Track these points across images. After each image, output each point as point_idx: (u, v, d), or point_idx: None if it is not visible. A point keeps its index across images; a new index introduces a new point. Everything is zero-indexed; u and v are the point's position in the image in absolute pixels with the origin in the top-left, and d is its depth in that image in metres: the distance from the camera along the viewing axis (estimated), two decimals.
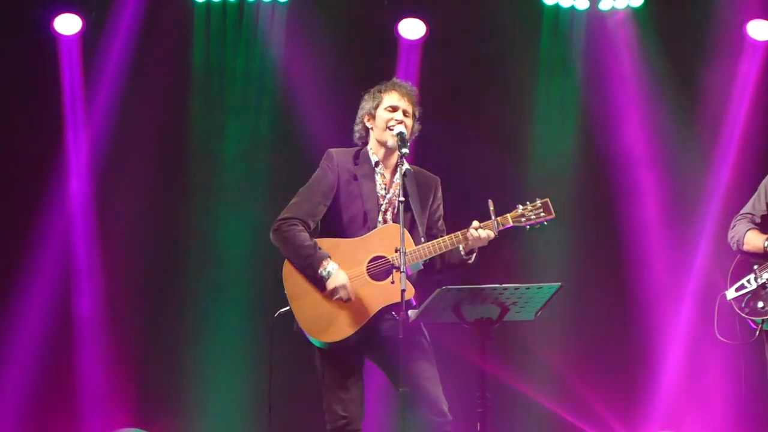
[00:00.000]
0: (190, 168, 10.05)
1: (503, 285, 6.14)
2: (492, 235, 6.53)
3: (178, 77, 10.03)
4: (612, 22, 10.09)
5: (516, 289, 6.16)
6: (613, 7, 10.11)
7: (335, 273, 6.47)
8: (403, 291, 6.18)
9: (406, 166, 6.57)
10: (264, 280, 9.42)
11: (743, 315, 7.13)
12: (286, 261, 6.59)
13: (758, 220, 7.28)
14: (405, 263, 6.25)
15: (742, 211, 7.38)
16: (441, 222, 6.83)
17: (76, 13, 9.89)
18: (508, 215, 6.59)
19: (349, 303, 6.49)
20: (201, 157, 10.07)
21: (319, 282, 6.53)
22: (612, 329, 10.03)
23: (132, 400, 9.85)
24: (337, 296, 6.47)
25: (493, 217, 6.53)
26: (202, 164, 10.06)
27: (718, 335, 7.24)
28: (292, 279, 6.57)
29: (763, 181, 7.37)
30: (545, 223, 6.61)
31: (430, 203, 6.77)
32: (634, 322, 10.02)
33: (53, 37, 9.90)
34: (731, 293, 7.17)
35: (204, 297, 9.94)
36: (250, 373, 9.63)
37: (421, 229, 6.62)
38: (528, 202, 6.62)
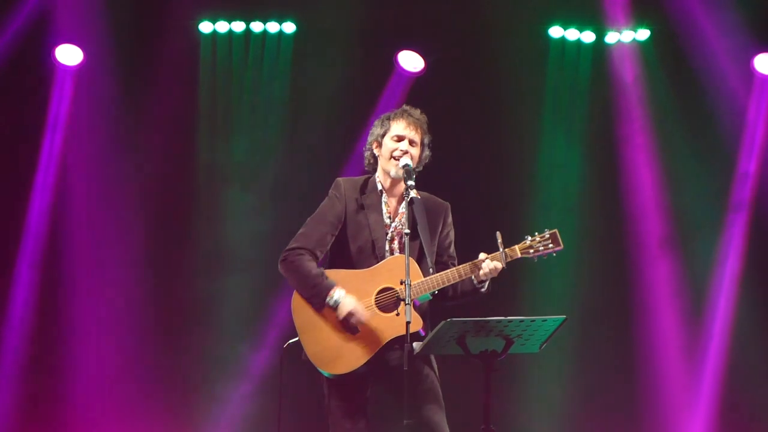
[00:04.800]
0: (196, 196, 10.10)
1: (508, 317, 6.09)
2: (500, 266, 6.50)
3: (184, 108, 10.07)
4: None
5: (521, 321, 6.11)
6: (619, 41, 10.12)
7: (343, 300, 6.44)
8: (408, 323, 6.14)
9: (412, 194, 6.52)
10: (267, 303, 9.50)
11: None
12: (295, 292, 6.56)
13: None
14: (410, 295, 6.23)
15: None
16: (452, 248, 6.77)
17: (77, 45, 9.96)
18: (516, 247, 6.56)
19: (357, 335, 6.46)
20: (208, 184, 10.11)
21: (327, 313, 6.50)
22: (617, 362, 10.00)
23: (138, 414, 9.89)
24: (352, 321, 6.44)
25: (501, 249, 6.50)
26: (209, 193, 10.09)
27: None
28: (301, 311, 6.53)
29: None
30: (554, 254, 6.58)
31: (439, 230, 6.72)
32: (640, 354, 9.99)
33: (54, 65, 10.01)
34: None
35: (207, 314, 9.99)
36: (255, 394, 9.69)
37: (429, 259, 6.54)
38: (536, 234, 6.58)
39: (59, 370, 9.92)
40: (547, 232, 6.58)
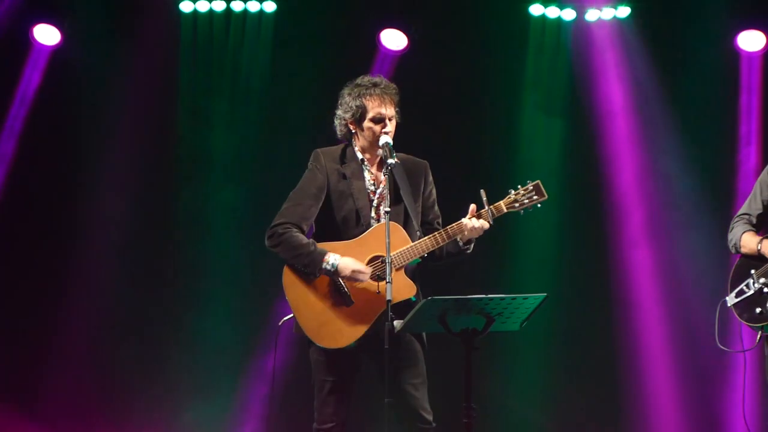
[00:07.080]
0: (176, 177, 10.08)
1: (489, 295, 6.10)
2: (486, 224, 6.52)
3: (164, 87, 10.05)
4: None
5: (501, 299, 6.12)
6: (599, 18, 10.12)
7: (341, 261, 6.44)
8: (388, 301, 6.16)
9: (391, 161, 6.49)
10: (253, 285, 9.49)
11: (742, 321, 6.92)
12: (285, 269, 6.54)
13: (755, 221, 7.06)
14: (390, 273, 6.22)
15: (738, 212, 7.17)
16: (436, 207, 6.78)
17: (54, 25, 9.92)
18: (501, 202, 6.57)
19: (351, 307, 6.46)
20: (187, 166, 10.09)
21: (319, 286, 6.48)
22: (599, 339, 10.01)
23: (115, 405, 9.86)
24: (358, 279, 6.43)
25: (486, 207, 6.51)
26: (189, 174, 10.07)
27: (718, 344, 7.08)
28: (293, 287, 6.53)
29: (759, 179, 7.14)
30: (539, 205, 6.61)
31: (422, 189, 6.73)
32: (621, 331, 10.01)
33: (31, 44, 9.99)
34: (731, 299, 6.93)
35: (192, 301, 9.98)
36: (243, 376, 9.73)
37: (415, 222, 6.57)
38: (519, 186, 6.60)
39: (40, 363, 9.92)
40: (530, 184, 6.61)
